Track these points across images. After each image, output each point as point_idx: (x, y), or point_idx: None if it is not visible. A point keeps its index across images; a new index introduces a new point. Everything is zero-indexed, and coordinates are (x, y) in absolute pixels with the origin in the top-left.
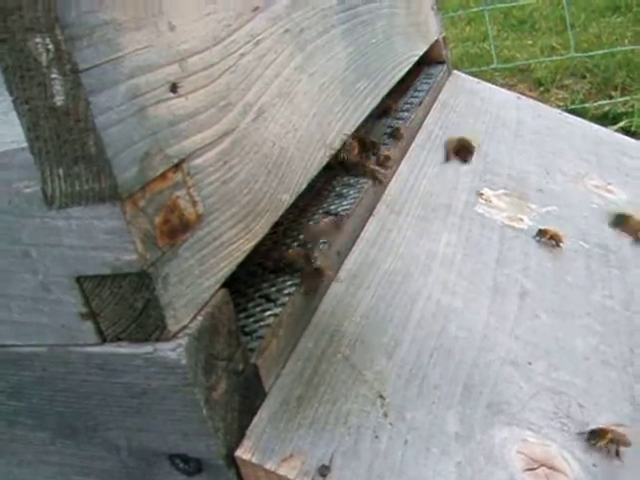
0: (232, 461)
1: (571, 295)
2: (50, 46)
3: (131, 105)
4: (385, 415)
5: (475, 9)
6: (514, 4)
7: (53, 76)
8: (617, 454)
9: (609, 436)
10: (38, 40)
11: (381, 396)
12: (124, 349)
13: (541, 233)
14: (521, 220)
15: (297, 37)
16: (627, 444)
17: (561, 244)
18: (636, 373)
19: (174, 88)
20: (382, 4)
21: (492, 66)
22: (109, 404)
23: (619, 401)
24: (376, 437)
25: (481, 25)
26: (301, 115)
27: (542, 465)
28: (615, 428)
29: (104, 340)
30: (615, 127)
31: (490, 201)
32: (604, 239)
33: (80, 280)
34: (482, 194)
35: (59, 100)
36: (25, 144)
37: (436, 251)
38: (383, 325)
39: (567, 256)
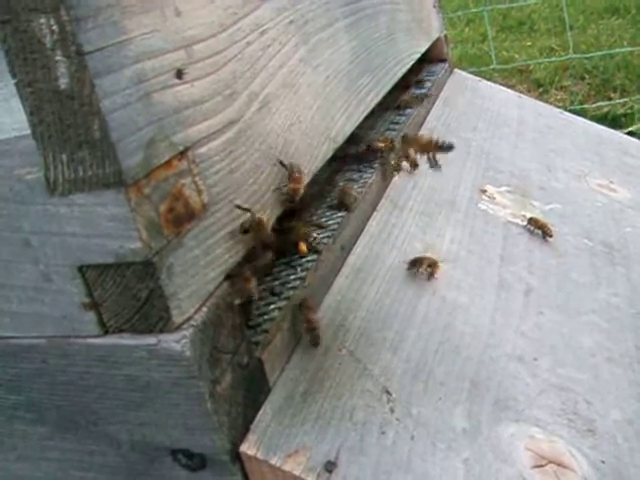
0: (236, 456)
1: (576, 292)
2: (55, 27)
3: (136, 90)
4: (391, 411)
5: (474, 10)
6: (513, 5)
7: (57, 58)
8: (432, 275)
9: (426, 262)
10: (42, 21)
11: (387, 391)
12: (127, 340)
13: (531, 221)
14: (524, 217)
15: (302, 29)
16: (438, 266)
17: (548, 238)
18: None
19: (180, 74)
20: None
21: (491, 67)
22: (110, 397)
23: (626, 398)
24: (382, 433)
25: (480, 26)
26: (305, 107)
27: (550, 462)
28: (430, 255)
29: (106, 331)
30: (625, 131)
31: (493, 198)
32: (608, 237)
33: (82, 269)
34: (485, 191)
35: (63, 83)
36: (27, 131)
37: (440, 247)
38: (388, 320)
39: (571, 253)
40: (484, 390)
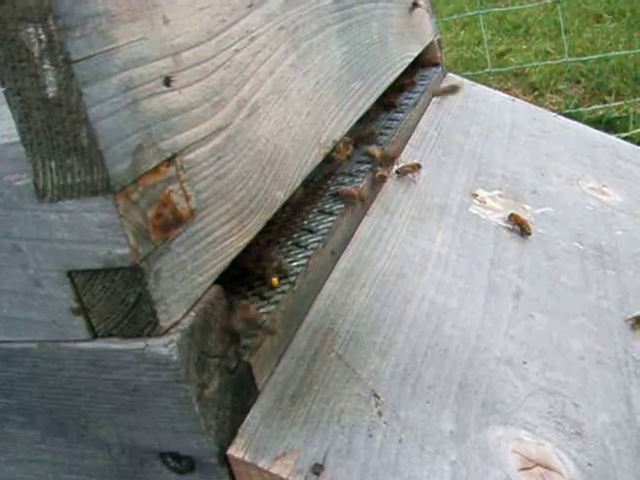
0: (224, 459)
1: (566, 295)
2: (43, 36)
3: (124, 97)
4: (379, 414)
5: (470, 13)
6: (509, 9)
7: (45, 67)
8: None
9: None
10: (30, 30)
11: (375, 395)
12: (115, 345)
13: (511, 218)
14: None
15: (292, 35)
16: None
17: (528, 236)
18: (631, 373)
19: (168, 82)
20: (377, 4)
21: (486, 70)
22: (100, 401)
23: (614, 401)
24: (370, 436)
25: (475, 29)
26: (295, 113)
27: (537, 464)
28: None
29: (95, 336)
30: (622, 136)
31: (485, 202)
32: (599, 240)
33: (71, 275)
34: (476, 195)
35: (51, 91)
36: (16, 138)
37: (430, 251)
38: (377, 324)
39: (562, 257)
40: (472, 393)
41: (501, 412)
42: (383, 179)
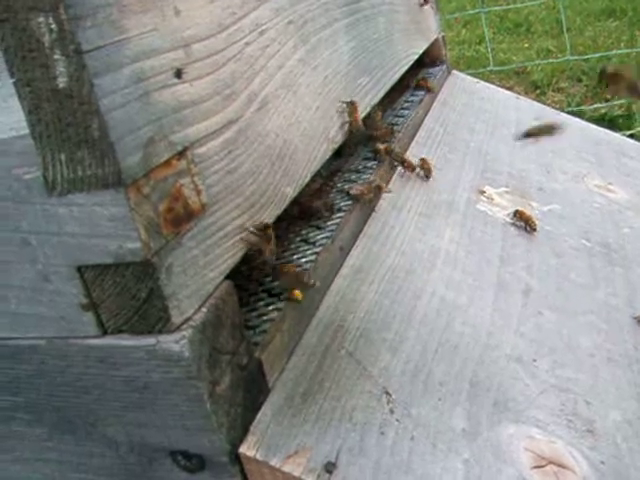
0: (236, 457)
1: (575, 293)
2: (53, 26)
3: (136, 89)
4: (391, 411)
5: (471, 12)
6: (510, 7)
7: (56, 57)
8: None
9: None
10: (41, 20)
11: (387, 392)
12: (126, 341)
13: (516, 214)
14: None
15: (301, 29)
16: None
17: (533, 232)
18: None
19: (179, 74)
20: (383, 0)
21: (488, 69)
22: (109, 399)
23: (626, 398)
24: (382, 433)
25: (477, 28)
26: (304, 108)
27: (550, 462)
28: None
29: (105, 332)
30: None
31: (492, 199)
32: (606, 238)
33: (81, 270)
34: (484, 192)
35: (62, 82)
36: (25, 130)
37: (439, 247)
38: (387, 321)
39: (570, 254)
40: (483, 391)
41: (512, 410)
42: (380, 189)
